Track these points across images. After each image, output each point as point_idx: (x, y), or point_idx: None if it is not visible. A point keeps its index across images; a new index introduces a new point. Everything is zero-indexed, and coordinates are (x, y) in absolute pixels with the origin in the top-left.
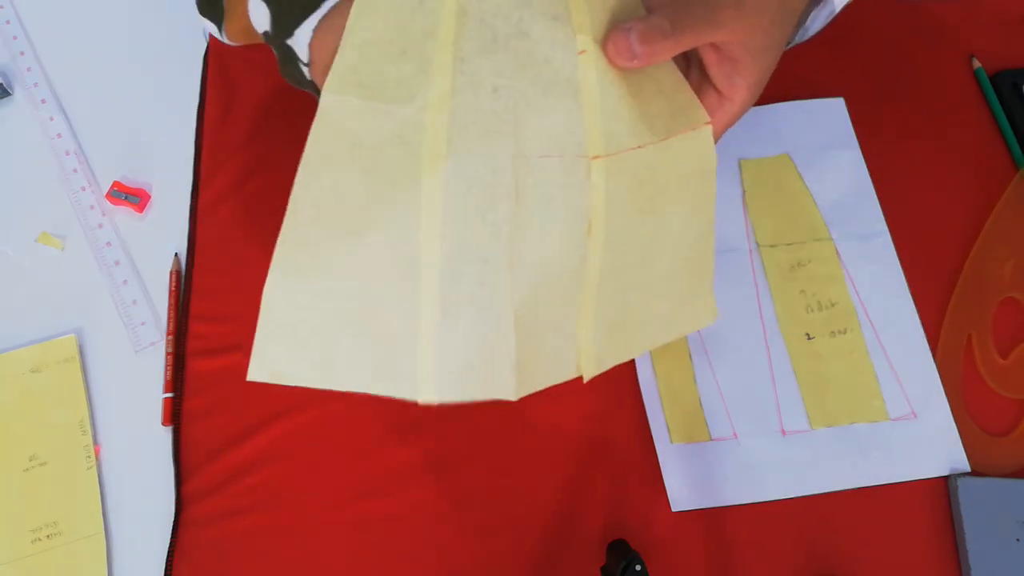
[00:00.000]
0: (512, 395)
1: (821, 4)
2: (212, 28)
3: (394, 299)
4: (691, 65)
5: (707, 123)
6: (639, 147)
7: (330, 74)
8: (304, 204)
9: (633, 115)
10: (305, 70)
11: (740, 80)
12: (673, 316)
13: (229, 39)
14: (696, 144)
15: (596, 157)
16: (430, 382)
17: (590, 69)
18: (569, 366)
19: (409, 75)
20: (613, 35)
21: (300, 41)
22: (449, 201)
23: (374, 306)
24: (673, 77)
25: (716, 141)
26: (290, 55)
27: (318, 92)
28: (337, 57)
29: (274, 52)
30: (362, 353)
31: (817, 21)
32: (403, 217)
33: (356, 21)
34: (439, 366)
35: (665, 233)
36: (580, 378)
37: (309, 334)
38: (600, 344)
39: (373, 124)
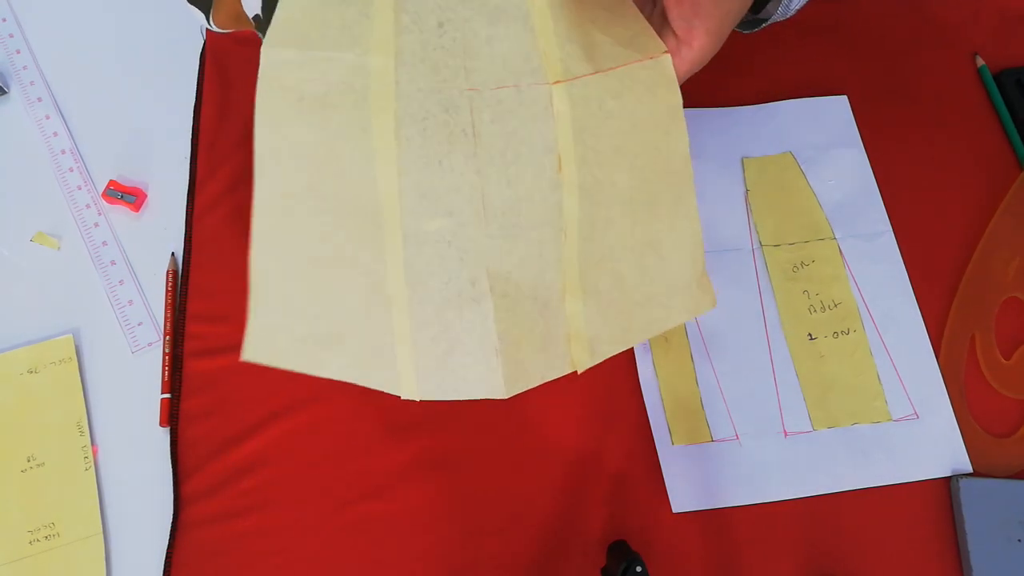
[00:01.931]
0: (502, 392)
1: None
2: (200, 17)
3: (364, 274)
4: (655, 9)
5: (664, 52)
6: (597, 72)
7: (269, 28)
8: (265, 173)
9: (588, 40)
10: None
11: (699, 24)
12: (670, 301)
13: (218, 27)
14: (657, 75)
15: (556, 82)
16: (411, 376)
17: None
18: (562, 357)
19: (351, 20)
20: None
21: None
22: (403, 148)
23: (347, 283)
24: (627, 8)
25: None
26: None
27: None
28: (276, 10)
29: (263, 39)
30: (343, 336)
31: None
32: (359, 170)
33: None
34: (416, 354)
35: (643, 183)
36: (577, 374)
37: (294, 316)
38: (593, 327)
39: (315, 75)
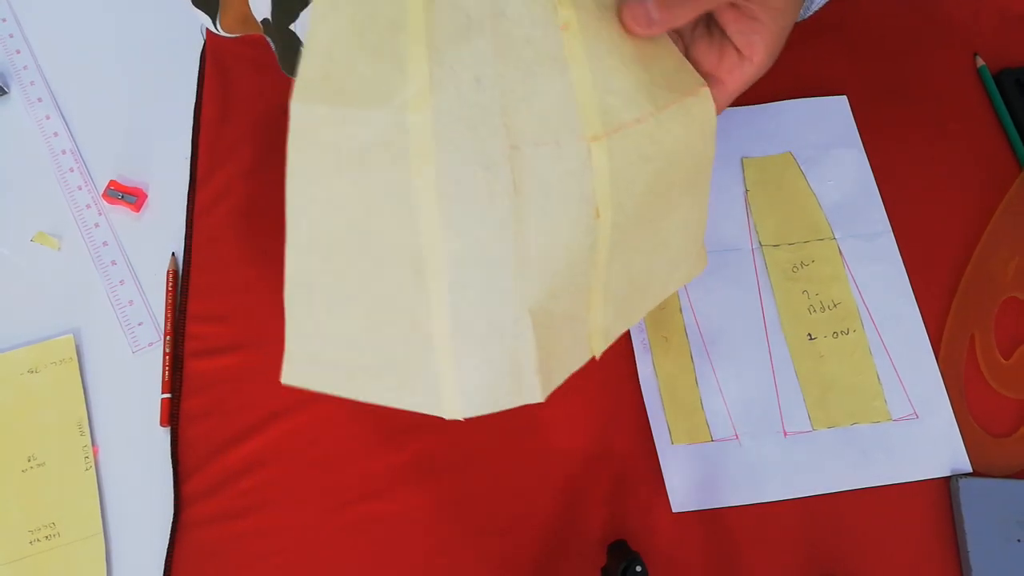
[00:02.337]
0: (540, 398)
1: None
2: (206, 20)
3: (405, 313)
4: (710, 25)
5: (703, 87)
6: (638, 121)
7: (296, 82)
8: (299, 221)
9: (628, 86)
10: None
11: (758, 39)
12: (670, 275)
13: (225, 31)
14: (696, 109)
15: (595, 138)
16: (454, 398)
17: (576, 43)
18: (583, 351)
19: (384, 74)
20: (629, 3)
21: (306, 25)
22: (444, 205)
23: (387, 320)
24: (662, 42)
25: (730, 102)
26: (292, 43)
27: None
28: (302, 63)
29: (272, 44)
30: (383, 366)
31: None
32: (399, 221)
33: (318, 23)
34: (459, 381)
35: (669, 204)
36: (582, 374)
37: (333, 346)
38: (607, 319)
39: (351, 131)
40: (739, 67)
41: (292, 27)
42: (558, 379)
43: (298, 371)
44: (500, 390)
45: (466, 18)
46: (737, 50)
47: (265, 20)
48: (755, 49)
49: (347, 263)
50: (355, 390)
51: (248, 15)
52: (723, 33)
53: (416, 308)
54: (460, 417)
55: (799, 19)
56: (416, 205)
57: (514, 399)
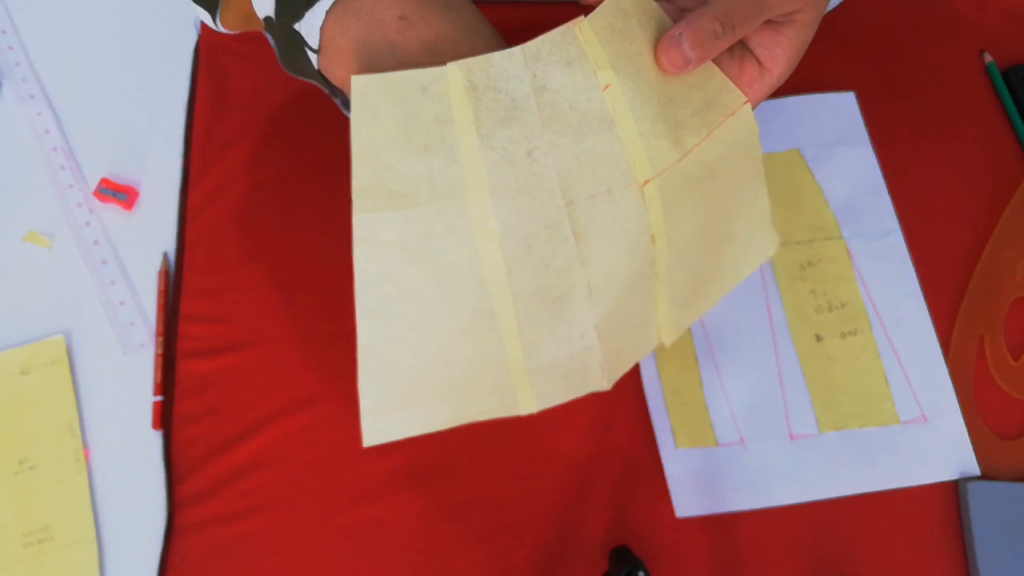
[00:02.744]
0: (607, 386)
1: None
2: (205, 16)
3: (481, 358)
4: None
5: (745, 103)
6: (685, 155)
7: (354, 193)
8: (371, 314)
9: (672, 125)
10: (313, 58)
11: (780, 52)
12: (740, 261)
13: (225, 27)
14: (738, 125)
15: (647, 182)
16: (529, 401)
17: (619, 99)
18: (651, 342)
19: (439, 168)
20: (664, 44)
21: (311, 24)
22: (512, 265)
23: (464, 368)
24: (705, 67)
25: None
26: (295, 42)
27: (326, 83)
28: (354, 173)
29: (272, 42)
30: (462, 399)
31: None
32: (471, 294)
33: (361, 131)
34: (534, 387)
35: (722, 207)
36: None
37: (408, 402)
38: (677, 315)
39: (416, 228)
40: (759, 79)
41: (296, 27)
42: (624, 368)
43: (378, 432)
44: (570, 387)
45: (510, 99)
46: (759, 62)
47: (268, 18)
48: (776, 61)
49: (422, 338)
50: (431, 426)
51: (250, 12)
52: (744, 46)
53: (491, 351)
54: (535, 411)
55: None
56: (485, 274)
57: (582, 390)
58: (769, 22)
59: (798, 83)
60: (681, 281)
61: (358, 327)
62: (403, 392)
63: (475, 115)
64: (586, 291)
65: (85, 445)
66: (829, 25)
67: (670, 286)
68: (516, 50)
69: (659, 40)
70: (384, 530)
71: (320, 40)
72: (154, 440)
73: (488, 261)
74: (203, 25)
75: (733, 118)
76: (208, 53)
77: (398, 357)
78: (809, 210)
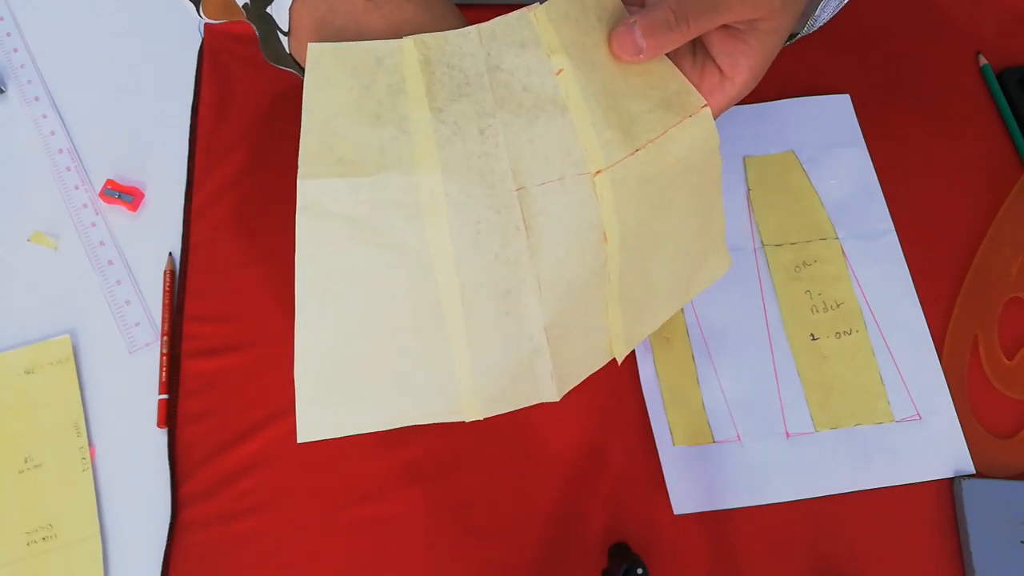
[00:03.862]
0: (555, 397)
1: None
2: (190, 7)
3: (425, 350)
4: (695, 44)
5: (704, 106)
6: (638, 150)
7: (301, 157)
8: (311, 291)
9: (626, 119)
10: (285, 42)
11: (743, 60)
12: (691, 278)
13: (208, 17)
14: (697, 128)
15: (598, 172)
16: (474, 405)
17: (572, 86)
18: (602, 355)
19: (389, 139)
20: (617, 31)
21: (281, 7)
22: (459, 250)
23: (407, 351)
24: (661, 66)
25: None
26: (270, 26)
27: (299, 67)
28: (302, 137)
29: (255, 29)
30: (403, 397)
31: (826, 11)
32: (417, 278)
33: (313, 96)
34: (480, 392)
35: (677, 215)
36: (584, 382)
37: (347, 394)
38: (628, 326)
39: (363, 197)
40: (720, 88)
41: (268, 10)
42: (574, 381)
43: (312, 427)
44: (518, 394)
45: (463, 76)
46: (720, 70)
47: (245, 5)
48: (738, 70)
49: (363, 322)
50: (370, 426)
51: (230, 2)
52: (706, 53)
53: (435, 344)
54: (480, 418)
55: (804, 33)
56: (431, 257)
57: (531, 399)
58: (731, 29)
59: (794, 85)
60: (632, 290)
61: (297, 304)
62: (342, 384)
63: (427, 88)
64: (536, 286)
65: (90, 444)
66: (824, 27)
67: (622, 294)
68: (471, 29)
69: (612, 27)
70: (385, 528)
71: (289, 22)
72: (158, 439)
73: (435, 242)
74: (207, 28)
75: (691, 120)
76: (212, 56)
77: (337, 342)
78: (804, 211)
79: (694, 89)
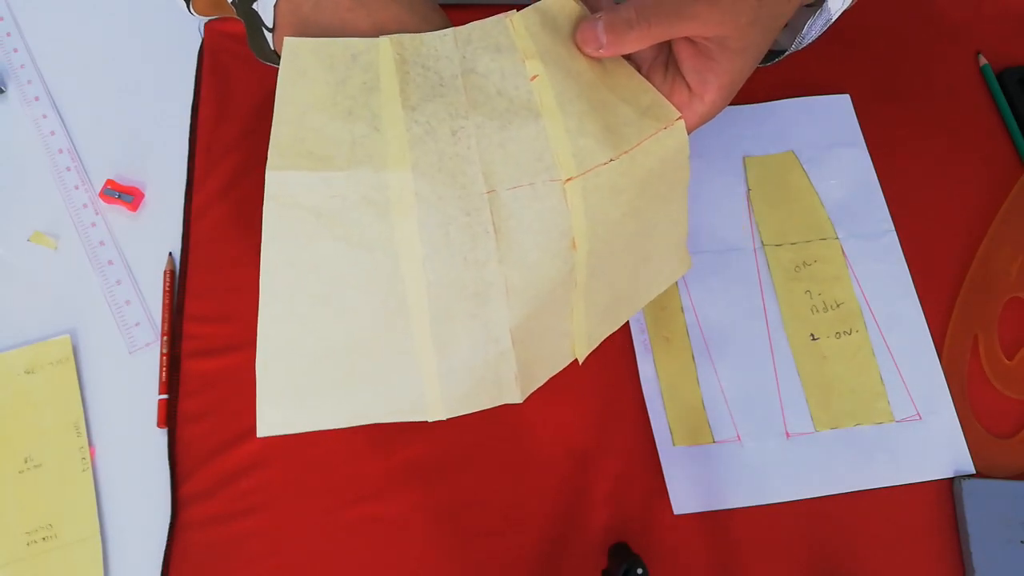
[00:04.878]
0: (519, 399)
1: (818, 13)
2: (181, 3)
3: (389, 348)
4: (668, 61)
5: (678, 119)
6: (611, 160)
7: (271, 148)
8: (276, 284)
9: (599, 128)
10: (269, 38)
11: (712, 78)
12: (653, 280)
13: (198, 13)
14: (670, 140)
15: (569, 179)
16: (438, 405)
17: (546, 91)
18: (564, 356)
19: (361, 135)
20: (581, 25)
21: (267, 3)
22: (428, 250)
23: (373, 351)
24: (634, 82)
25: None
26: (256, 23)
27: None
28: (273, 129)
29: (244, 24)
30: (369, 391)
31: (813, 29)
32: (384, 275)
33: (287, 89)
34: (444, 393)
35: (644, 222)
36: (583, 375)
37: (310, 389)
38: (591, 328)
39: (333, 192)
40: (688, 105)
41: (254, 6)
42: (537, 383)
43: (272, 424)
44: (482, 395)
45: (438, 77)
46: (689, 88)
47: (233, 1)
48: (707, 88)
49: (328, 317)
50: (338, 419)
51: None
52: (677, 70)
53: (400, 342)
54: (444, 418)
55: (793, 50)
56: (399, 254)
57: (495, 401)
58: (699, 46)
59: (793, 85)
60: (597, 294)
61: (261, 296)
62: (305, 378)
63: (401, 87)
64: (504, 290)
65: (90, 444)
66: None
67: (587, 298)
68: (448, 32)
69: (578, 21)
70: (385, 528)
71: (274, 19)
72: (158, 439)
73: (404, 240)
74: (207, 28)
75: (665, 132)
76: (212, 56)
77: (301, 336)
78: (804, 211)
79: (667, 102)
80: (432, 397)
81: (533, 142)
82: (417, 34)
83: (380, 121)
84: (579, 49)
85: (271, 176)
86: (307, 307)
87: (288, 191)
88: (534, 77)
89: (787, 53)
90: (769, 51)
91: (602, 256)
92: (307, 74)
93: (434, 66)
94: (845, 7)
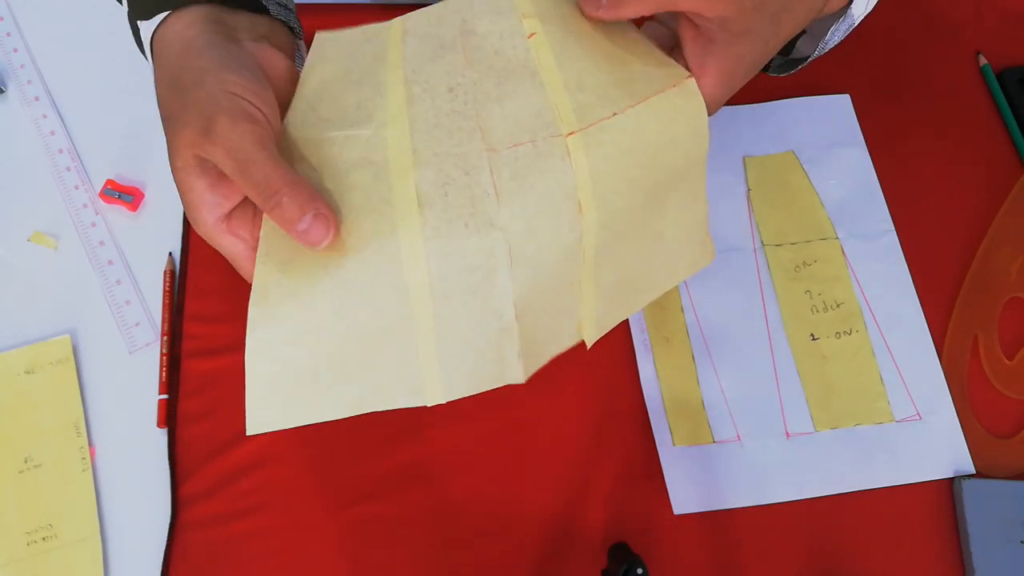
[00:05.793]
0: (521, 379)
1: (841, 19)
2: None
3: (386, 322)
4: (674, 47)
5: (688, 77)
6: (615, 114)
7: (288, 115)
8: (274, 249)
9: (603, 83)
10: (146, 41)
11: (711, 61)
12: (671, 267)
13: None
14: (681, 100)
15: (570, 133)
16: (437, 388)
17: (544, 49)
18: (570, 336)
19: (365, 99)
20: None
21: (149, 29)
22: (427, 213)
23: (367, 333)
24: (643, 45)
25: None
26: (136, 33)
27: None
28: (293, 102)
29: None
30: (363, 378)
31: (836, 35)
32: (383, 239)
33: (309, 73)
34: (444, 374)
35: (659, 199)
36: (583, 374)
37: (301, 378)
38: (600, 310)
39: (334, 154)
40: None
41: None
42: (541, 361)
43: (262, 421)
44: (484, 375)
45: (438, 41)
46: (688, 70)
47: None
48: (706, 71)
49: (322, 285)
50: (331, 412)
51: None
52: (680, 53)
53: (396, 321)
54: (442, 401)
55: (816, 55)
56: (396, 216)
57: (496, 381)
58: (701, 28)
59: (794, 85)
60: (607, 272)
61: (255, 274)
62: (297, 365)
63: (404, 56)
64: (507, 259)
65: (90, 444)
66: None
67: (596, 275)
68: (451, 0)
69: None
70: (385, 528)
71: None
72: (158, 439)
73: (401, 204)
74: None
75: (675, 91)
76: None
77: (293, 315)
78: (804, 211)
79: (675, 63)
80: (430, 379)
81: (531, 98)
82: (424, 9)
83: (384, 87)
84: (581, 11)
85: (284, 134)
86: (299, 280)
87: (295, 151)
88: (531, 35)
89: (810, 59)
90: (791, 59)
91: (611, 229)
92: (327, 57)
93: (436, 32)
94: (868, 12)
